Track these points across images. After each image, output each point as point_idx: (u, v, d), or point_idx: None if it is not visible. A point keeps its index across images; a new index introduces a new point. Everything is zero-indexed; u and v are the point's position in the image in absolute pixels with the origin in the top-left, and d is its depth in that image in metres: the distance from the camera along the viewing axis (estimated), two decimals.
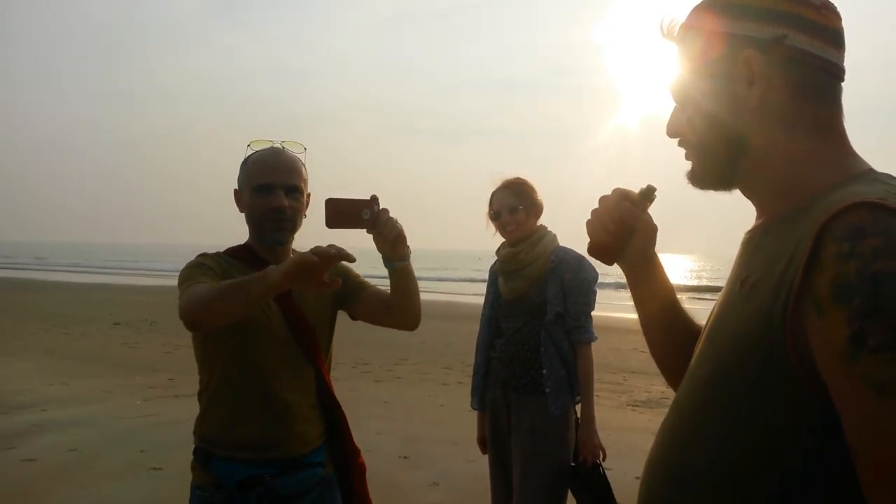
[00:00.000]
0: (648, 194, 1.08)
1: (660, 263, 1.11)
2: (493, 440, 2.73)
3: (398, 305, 1.77)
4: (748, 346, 0.79)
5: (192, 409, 1.81)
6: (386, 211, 1.61)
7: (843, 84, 0.87)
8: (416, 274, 1.77)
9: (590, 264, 2.62)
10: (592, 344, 2.62)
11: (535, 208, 2.69)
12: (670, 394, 1.00)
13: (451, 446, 4.94)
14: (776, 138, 0.86)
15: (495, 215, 2.69)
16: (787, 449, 0.76)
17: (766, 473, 0.77)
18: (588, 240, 1.12)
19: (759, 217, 0.93)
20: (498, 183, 2.70)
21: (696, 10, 0.91)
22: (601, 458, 2.58)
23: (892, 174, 0.82)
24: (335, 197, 1.59)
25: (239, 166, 1.81)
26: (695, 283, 36.27)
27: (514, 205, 2.64)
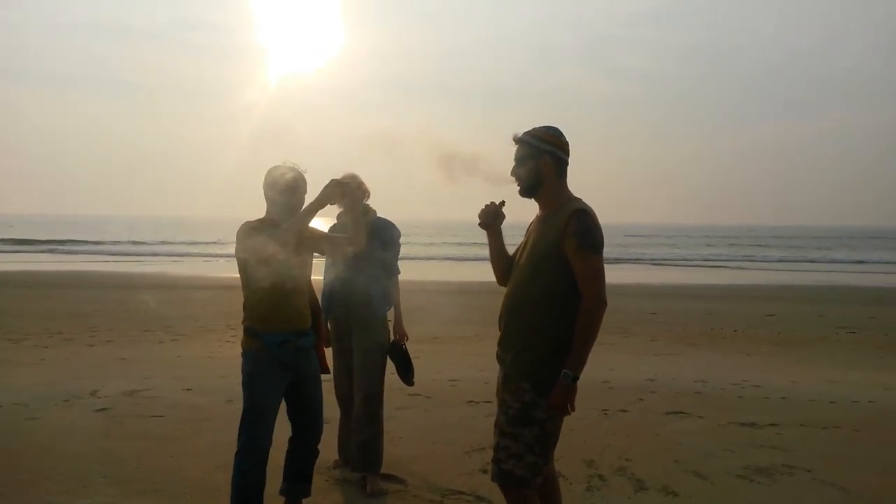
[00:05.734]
0: (502, 204, 2.94)
1: (500, 231, 2.97)
2: (336, 337, 4.17)
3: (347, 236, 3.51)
4: (547, 251, 2.66)
5: None
6: None
7: (568, 166, 2.79)
8: None
9: (397, 227, 4.19)
10: None
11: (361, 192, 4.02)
12: None
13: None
14: (552, 181, 2.75)
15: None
16: (559, 291, 2.64)
17: (552, 301, 2.65)
18: (478, 221, 2.95)
19: (542, 210, 2.81)
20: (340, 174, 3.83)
21: (526, 133, 2.79)
22: (405, 340, 4.22)
23: (579, 196, 2.77)
24: None
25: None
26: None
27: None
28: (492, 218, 2.93)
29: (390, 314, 4.24)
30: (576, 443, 4.71)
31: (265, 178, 3.23)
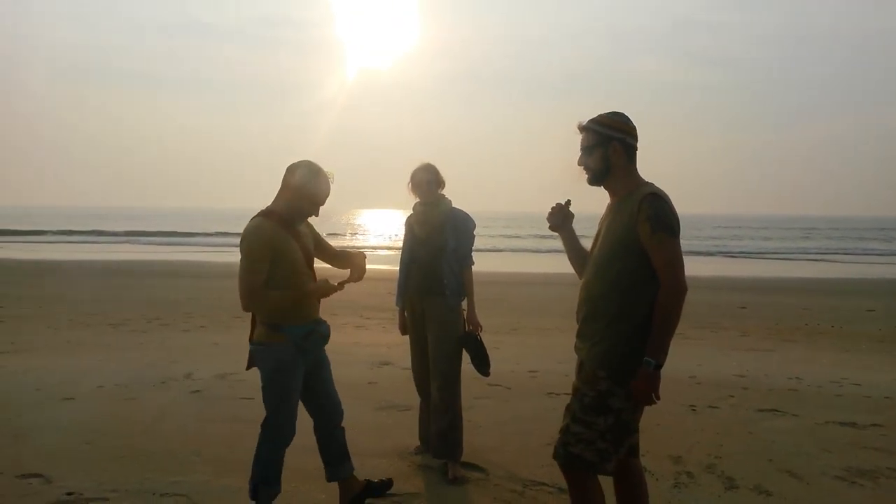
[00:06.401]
0: (568, 203, 2.89)
1: (573, 229, 2.92)
2: (412, 325, 4.25)
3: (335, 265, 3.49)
4: (620, 238, 2.58)
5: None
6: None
7: (637, 151, 2.69)
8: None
9: (472, 219, 4.19)
10: None
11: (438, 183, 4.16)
12: None
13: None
14: (622, 167, 2.65)
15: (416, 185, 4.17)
16: (635, 278, 2.56)
17: (628, 288, 2.57)
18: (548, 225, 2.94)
19: (612, 198, 2.71)
20: (417, 164, 4.17)
21: (591, 121, 2.69)
22: (480, 330, 4.18)
23: (651, 181, 2.67)
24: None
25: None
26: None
27: (429, 179, 4.13)
28: (560, 219, 2.90)
29: (465, 304, 4.23)
30: (662, 438, 4.56)
31: (304, 170, 3.14)
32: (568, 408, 2.68)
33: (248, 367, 3.34)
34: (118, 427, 4.77)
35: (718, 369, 7.08)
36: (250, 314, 3.24)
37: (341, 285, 3.18)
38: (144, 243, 36.69)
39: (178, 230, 46.00)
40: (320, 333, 3.24)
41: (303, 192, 3.13)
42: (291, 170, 3.17)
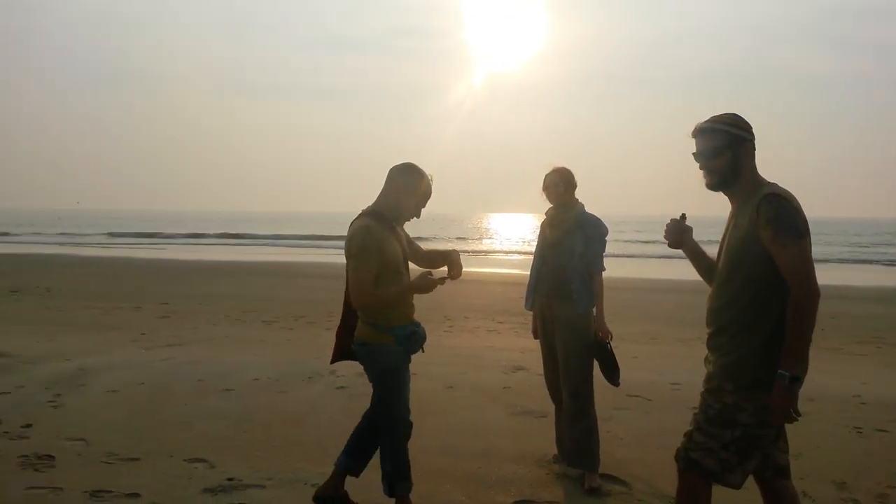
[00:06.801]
0: (683, 217, 2.81)
1: (695, 241, 2.80)
2: (542, 331, 4.22)
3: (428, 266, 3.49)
4: (743, 245, 2.48)
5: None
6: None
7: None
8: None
9: (604, 224, 4.12)
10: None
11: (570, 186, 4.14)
12: None
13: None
14: (750, 170, 2.56)
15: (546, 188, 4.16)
16: (761, 286, 2.44)
17: (753, 297, 2.45)
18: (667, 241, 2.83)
19: (734, 203, 2.61)
20: (549, 168, 4.17)
21: (715, 122, 2.59)
22: (609, 338, 4.05)
23: (773, 181, 2.54)
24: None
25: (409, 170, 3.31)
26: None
27: (557, 182, 4.11)
28: (678, 235, 2.78)
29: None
30: (823, 462, 4.21)
31: (408, 172, 3.27)
32: (694, 415, 2.61)
33: (333, 362, 3.49)
34: (272, 418, 5.09)
35: (886, 388, 6.43)
36: (355, 313, 3.35)
37: (442, 280, 3.23)
38: (286, 245, 39.01)
39: (317, 233, 48.44)
40: (420, 335, 3.31)
41: (406, 193, 3.26)
42: (394, 172, 3.29)
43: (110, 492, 3.66)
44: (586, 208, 4.17)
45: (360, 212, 3.30)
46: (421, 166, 3.34)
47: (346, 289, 3.32)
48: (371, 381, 3.34)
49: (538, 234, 4.38)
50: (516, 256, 31.41)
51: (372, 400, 3.44)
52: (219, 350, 7.83)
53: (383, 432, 3.36)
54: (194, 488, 3.76)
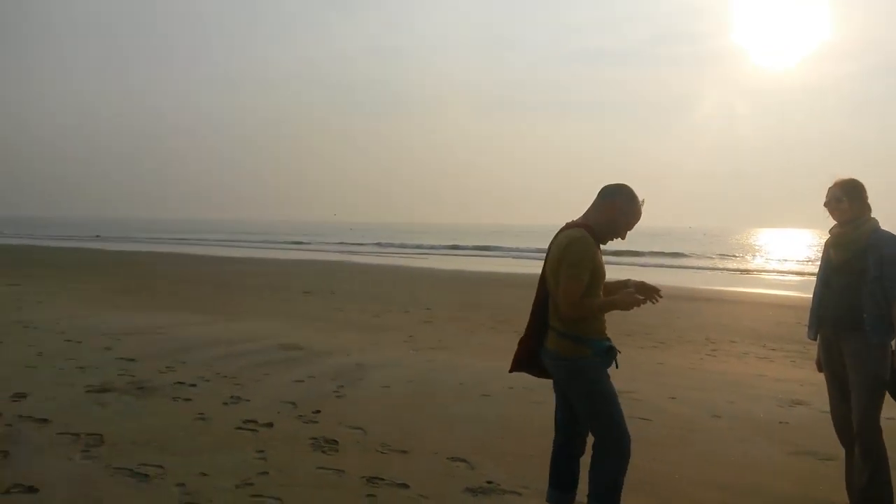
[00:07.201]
0: None
1: None
2: (826, 361, 3.80)
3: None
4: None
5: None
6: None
7: None
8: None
9: None
10: None
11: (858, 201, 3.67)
12: None
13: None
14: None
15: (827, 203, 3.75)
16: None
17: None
18: None
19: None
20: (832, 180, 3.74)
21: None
22: None
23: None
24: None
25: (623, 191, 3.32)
26: None
27: (840, 196, 3.68)
28: None
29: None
30: None
31: (627, 194, 3.30)
32: None
33: (512, 371, 3.48)
34: (526, 426, 5.16)
35: None
36: (535, 324, 3.35)
37: (645, 300, 3.22)
38: (494, 256, 39.70)
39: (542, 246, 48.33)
40: (616, 350, 3.26)
41: (622, 214, 3.29)
42: (609, 191, 3.33)
43: (383, 480, 3.97)
44: (882, 225, 3.63)
45: (566, 223, 3.35)
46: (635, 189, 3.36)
47: (536, 299, 3.35)
48: (574, 396, 3.26)
49: (821, 254, 3.92)
50: (791, 277, 28.37)
51: (566, 420, 3.40)
52: (474, 357, 8.17)
53: (600, 452, 3.22)
54: (456, 487, 3.94)
